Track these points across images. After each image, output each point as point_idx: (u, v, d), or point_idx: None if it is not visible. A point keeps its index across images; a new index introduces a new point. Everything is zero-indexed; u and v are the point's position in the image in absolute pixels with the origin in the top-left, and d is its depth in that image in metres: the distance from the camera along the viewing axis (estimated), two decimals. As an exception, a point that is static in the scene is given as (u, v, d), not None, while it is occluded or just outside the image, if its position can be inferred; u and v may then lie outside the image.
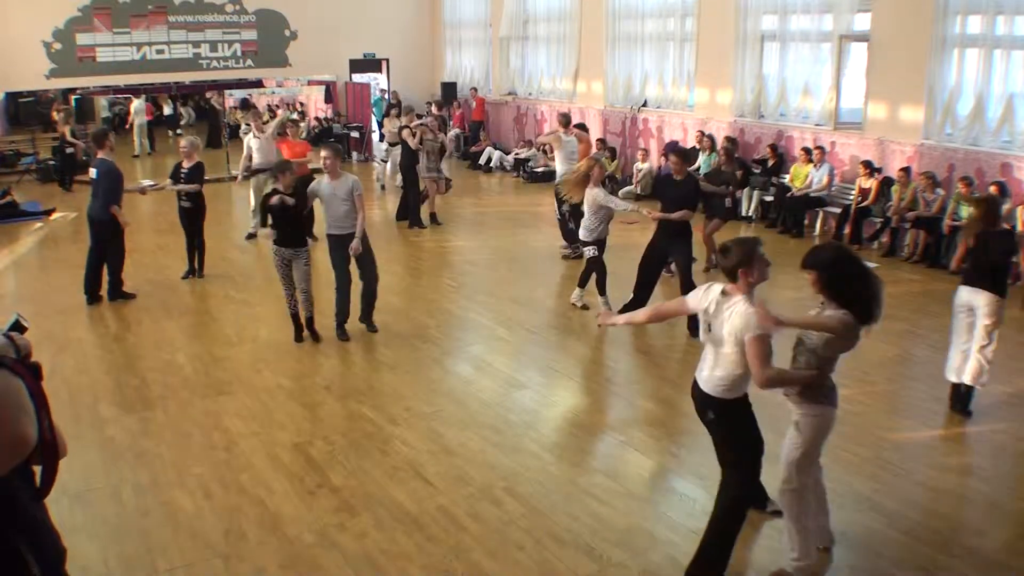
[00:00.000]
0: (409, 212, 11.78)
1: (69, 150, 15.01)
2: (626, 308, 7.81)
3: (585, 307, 8.02)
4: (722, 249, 3.79)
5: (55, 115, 15.75)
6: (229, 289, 8.89)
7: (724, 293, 3.75)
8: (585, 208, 7.76)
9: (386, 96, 19.44)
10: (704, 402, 3.84)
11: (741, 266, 3.65)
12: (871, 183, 10.49)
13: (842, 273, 3.73)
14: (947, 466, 5.12)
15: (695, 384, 3.90)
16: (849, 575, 4.08)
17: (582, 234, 7.84)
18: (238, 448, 5.35)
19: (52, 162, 15.65)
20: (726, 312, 3.67)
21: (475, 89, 18.55)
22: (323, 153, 7.02)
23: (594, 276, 7.83)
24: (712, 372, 3.77)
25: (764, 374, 3.57)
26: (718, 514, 3.89)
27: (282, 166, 7.13)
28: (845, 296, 3.71)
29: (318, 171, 8.50)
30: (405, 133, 11.55)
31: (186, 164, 8.85)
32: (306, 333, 7.25)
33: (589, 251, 7.81)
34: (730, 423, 3.83)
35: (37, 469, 2.30)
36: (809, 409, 3.79)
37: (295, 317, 7.22)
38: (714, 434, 3.92)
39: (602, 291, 7.77)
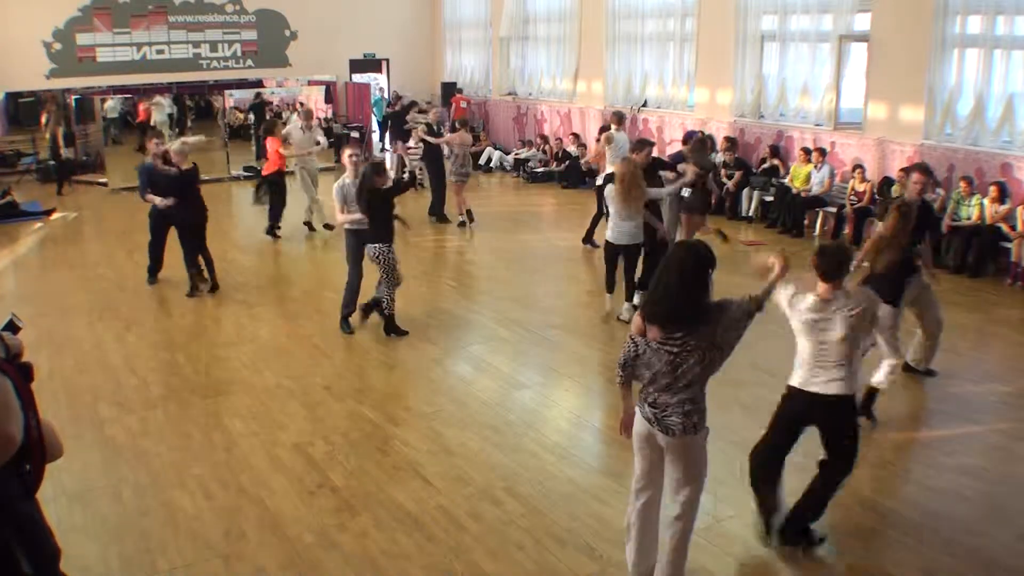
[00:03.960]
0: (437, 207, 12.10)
1: (64, 153, 14.95)
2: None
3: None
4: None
5: (43, 117, 15.72)
6: (229, 289, 8.88)
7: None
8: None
9: (386, 96, 19.43)
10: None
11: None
12: (864, 186, 10.51)
13: None
14: (947, 466, 5.11)
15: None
16: (849, 575, 4.09)
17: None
18: (238, 448, 5.35)
19: (52, 163, 15.67)
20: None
21: (460, 90, 18.59)
22: (348, 151, 7.41)
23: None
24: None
25: None
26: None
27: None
28: None
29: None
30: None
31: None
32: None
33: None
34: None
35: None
36: None
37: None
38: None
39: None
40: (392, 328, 7.32)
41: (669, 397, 3.56)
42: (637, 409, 3.72)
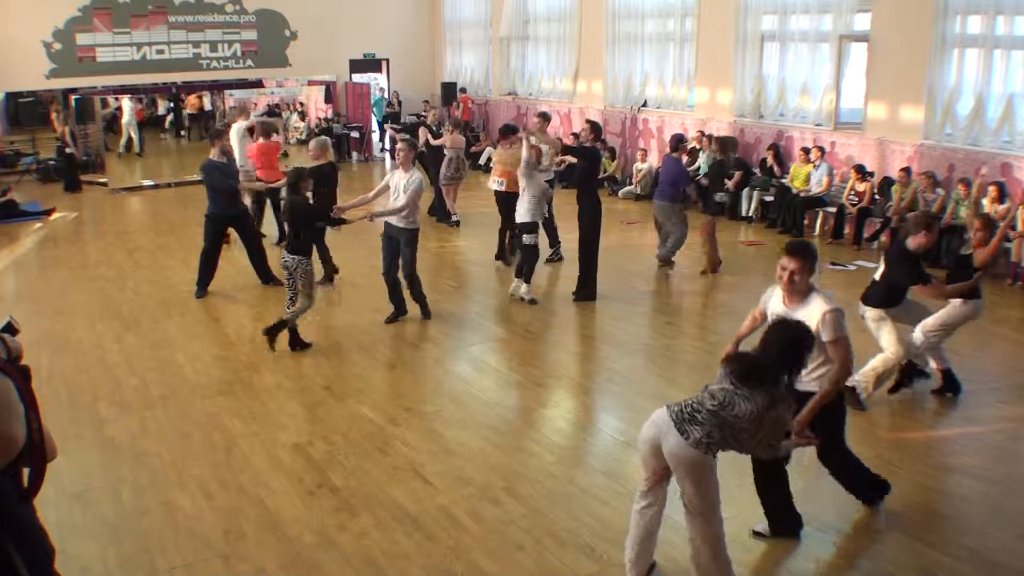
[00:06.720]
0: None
1: (69, 150, 15.00)
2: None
3: (533, 301, 8.21)
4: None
5: (53, 115, 15.79)
6: (229, 289, 8.88)
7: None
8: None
9: (386, 96, 19.44)
10: None
11: None
12: (864, 186, 10.51)
13: None
14: (947, 466, 5.12)
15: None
16: (849, 575, 4.09)
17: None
18: (238, 448, 5.35)
19: (53, 162, 15.67)
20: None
21: (463, 89, 18.63)
22: (400, 145, 7.38)
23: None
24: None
25: None
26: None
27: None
28: None
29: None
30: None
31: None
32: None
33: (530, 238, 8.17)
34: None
35: (26, 471, 2.30)
36: None
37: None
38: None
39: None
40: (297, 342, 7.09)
41: (704, 419, 3.52)
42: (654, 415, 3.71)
